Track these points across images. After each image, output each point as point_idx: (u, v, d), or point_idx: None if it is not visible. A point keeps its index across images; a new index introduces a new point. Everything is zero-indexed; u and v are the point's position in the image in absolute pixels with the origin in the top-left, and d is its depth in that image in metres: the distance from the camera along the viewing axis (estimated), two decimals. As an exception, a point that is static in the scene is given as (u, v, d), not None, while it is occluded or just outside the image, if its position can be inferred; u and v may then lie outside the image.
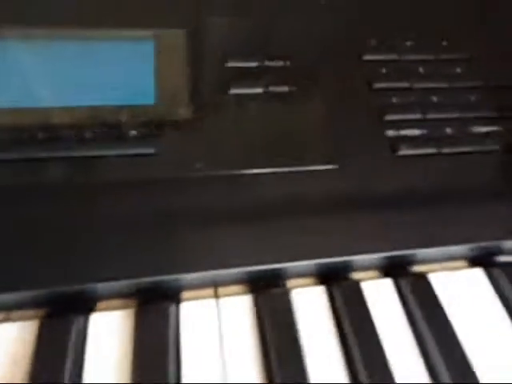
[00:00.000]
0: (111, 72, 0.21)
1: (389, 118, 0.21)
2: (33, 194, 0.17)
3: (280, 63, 0.22)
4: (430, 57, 0.24)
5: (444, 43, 0.25)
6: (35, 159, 0.18)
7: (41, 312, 0.16)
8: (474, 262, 0.20)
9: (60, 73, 0.21)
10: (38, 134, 0.18)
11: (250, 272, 0.17)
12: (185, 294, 0.17)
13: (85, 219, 0.17)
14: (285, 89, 0.21)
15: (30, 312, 0.16)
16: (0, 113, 0.19)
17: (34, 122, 0.19)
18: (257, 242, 0.17)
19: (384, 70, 0.23)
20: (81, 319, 0.16)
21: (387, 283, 0.19)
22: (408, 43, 0.25)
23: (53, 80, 0.20)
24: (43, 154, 0.18)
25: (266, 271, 0.17)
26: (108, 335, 0.16)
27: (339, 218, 0.18)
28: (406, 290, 0.18)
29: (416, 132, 0.21)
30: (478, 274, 0.19)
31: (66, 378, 0.14)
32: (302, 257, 0.17)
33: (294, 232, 0.18)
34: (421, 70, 0.24)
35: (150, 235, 0.17)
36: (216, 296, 0.18)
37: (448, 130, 0.22)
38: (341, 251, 0.18)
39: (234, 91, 0.21)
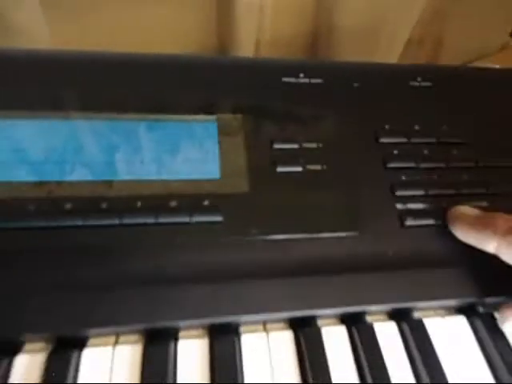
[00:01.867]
0: (183, 151, 0.27)
1: (399, 193, 0.28)
2: (125, 254, 0.23)
3: (314, 145, 0.28)
4: (433, 140, 0.30)
5: (444, 128, 0.31)
6: (128, 225, 0.24)
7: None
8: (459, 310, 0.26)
9: (141, 151, 0.27)
10: (119, 204, 0.24)
11: (291, 315, 0.23)
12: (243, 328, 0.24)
13: (168, 272, 0.23)
14: (318, 167, 0.28)
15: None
16: (92, 185, 0.25)
17: (115, 193, 0.24)
18: (296, 291, 0.23)
19: (396, 152, 0.29)
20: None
21: (392, 326, 0.25)
22: (416, 127, 0.31)
23: (135, 157, 0.26)
24: (131, 221, 0.24)
25: (303, 315, 0.23)
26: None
27: (358, 275, 0.24)
28: (407, 332, 0.24)
29: (420, 206, 0.27)
30: (462, 320, 0.25)
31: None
32: (329, 305, 0.23)
33: (323, 285, 0.24)
34: (426, 151, 0.30)
35: (220, 284, 0.23)
36: (265, 330, 0.24)
37: (444, 205, 0.28)
38: (358, 301, 0.24)
39: (280, 169, 0.27)
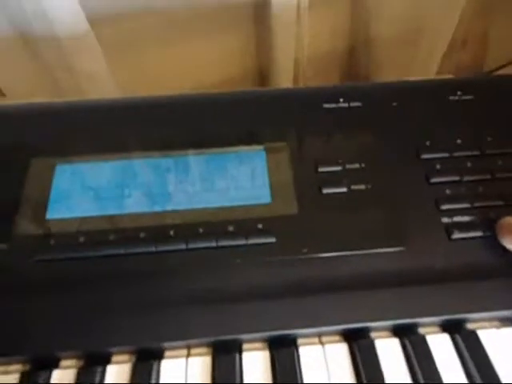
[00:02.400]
0: (236, 179, 0.30)
1: (444, 207, 0.28)
2: (192, 275, 0.26)
3: (357, 165, 0.30)
4: (476, 152, 0.31)
5: (488, 139, 0.31)
6: (193, 249, 0.27)
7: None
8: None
9: (199, 182, 0.30)
10: (185, 231, 0.27)
11: (346, 327, 0.25)
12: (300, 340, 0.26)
13: (230, 290, 0.26)
14: (362, 187, 0.29)
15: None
16: (160, 215, 0.28)
17: (181, 221, 0.28)
18: (349, 305, 0.25)
19: (438, 166, 0.30)
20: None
21: (446, 337, 0.25)
22: (458, 141, 0.31)
23: (195, 187, 0.30)
24: (195, 246, 0.27)
25: (356, 327, 0.25)
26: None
27: (408, 288, 0.25)
28: (461, 344, 0.25)
29: (466, 218, 0.28)
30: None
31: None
32: (382, 318, 0.25)
33: (375, 299, 0.25)
34: (469, 164, 0.30)
35: (277, 300, 0.25)
36: (321, 343, 0.25)
37: (492, 216, 0.28)
38: (410, 313, 0.25)
39: (325, 191, 0.29)
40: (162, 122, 0.33)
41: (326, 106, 0.33)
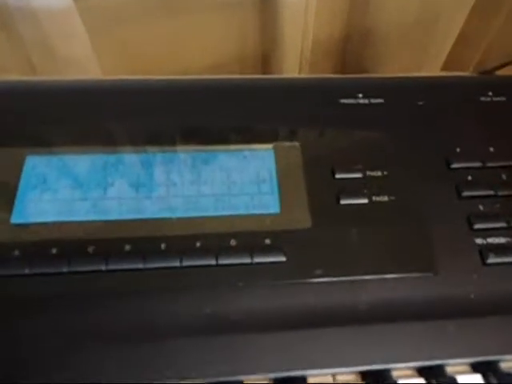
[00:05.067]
0: (240, 184, 0.26)
1: (477, 226, 0.25)
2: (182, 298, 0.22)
3: (379, 173, 0.26)
4: (510, 163, 0.27)
5: (524, 148, 0.28)
6: (185, 267, 0.23)
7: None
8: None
9: (196, 185, 0.25)
10: (179, 245, 0.23)
11: (363, 369, 0.21)
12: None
13: (229, 319, 0.22)
14: (385, 198, 0.25)
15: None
16: (149, 224, 0.24)
17: (181, 232, 0.23)
18: (368, 342, 0.21)
19: (470, 178, 0.27)
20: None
21: (478, 378, 0.22)
22: (491, 149, 0.28)
23: (191, 192, 0.25)
24: (191, 263, 0.23)
25: (377, 370, 0.21)
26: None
27: (436, 323, 0.22)
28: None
29: (502, 240, 0.25)
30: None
31: None
32: (405, 359, 0.21)
33: (398, 335, 0.22)
34: (504, 176, 0.27)
35: (284, 334, 0.21)
36: (334, 381, 0.22)
37: (531, 238, 0.25)
38: (440, 355, 0.21)
39: (343, 202, 0.25)
40: (152, 111, 0.28)
41: (343, 101, 0.29)
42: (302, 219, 0.24)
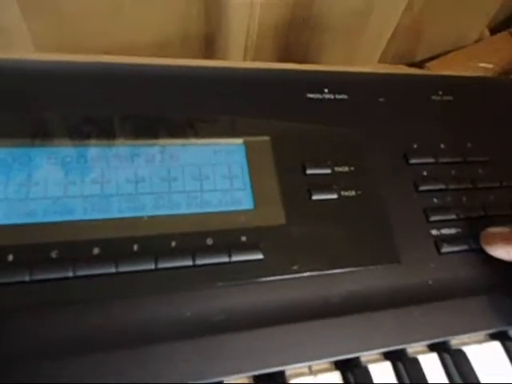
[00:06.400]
0: (212, 179, 0.25)
1: (433, 218, 0.27)
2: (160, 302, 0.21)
3: (346, 168, 0.27)
4: (459, 159, 0.30)
5: (469, 145, 0.31)
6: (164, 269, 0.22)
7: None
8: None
9: (166, 181, 0.24)
10: (153, 246, 0.22)
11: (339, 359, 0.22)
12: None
13: (209, 320, 0.21)
14: (352, 193, 0.26)
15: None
16: (119, 223, 0.22)
17: (154, 232, 0.22)
18: (341, 333, 0.23)
19: (425, 173, 0.29)
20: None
21: (434, 357, 0.24)
22: (442, 146, 0.30)
23: (161, 188, 0.24)
24: (167, 265, 0.22)
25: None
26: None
27: (401, 310, 0.24)
28: (448, 362, 0.24)
29: (453, 231, 0.27)
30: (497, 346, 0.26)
31: None
32: (374, 346, 0.23)
33: (368, 324, 0.23)
34: (453, 172, 0.29)
35: (263, 330, 0.22)
36: (311, 372, 0.23)
37: (476, 228, 0.27)
38: (405, 339, 0.23)
39: (315, 197, 0.26)
40: (113, 100, 0.26)
41: (310, 95, 0.30)
42: (277, 215, 0.25)
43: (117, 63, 0.29)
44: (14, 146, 0.23)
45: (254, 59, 0.52)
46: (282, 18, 0.52)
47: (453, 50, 0.61)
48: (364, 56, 0.57)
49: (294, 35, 0.56)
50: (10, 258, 0.20)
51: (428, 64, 0.60)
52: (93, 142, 0.24)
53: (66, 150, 0.23)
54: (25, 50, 0.38)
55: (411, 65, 0.64)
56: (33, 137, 0.23)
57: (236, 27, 0.46)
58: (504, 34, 0.57)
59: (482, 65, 0.57)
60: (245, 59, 0.52)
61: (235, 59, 0.51)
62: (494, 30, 0.60)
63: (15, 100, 0.24)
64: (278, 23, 0.53)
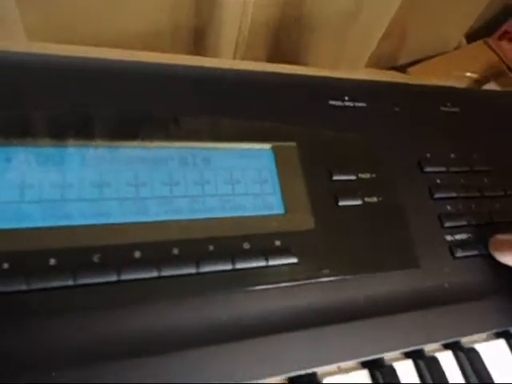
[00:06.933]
0: (243, 183, 0.25)
1: (447, 224, 0.29)
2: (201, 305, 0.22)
3: (368, 175, 0.28)
4: (467, 168, 0.32)
5: (475, 156, 0.33)
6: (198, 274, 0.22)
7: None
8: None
9: (199, 185, 0.24)
10: (193, 249, 0.22)
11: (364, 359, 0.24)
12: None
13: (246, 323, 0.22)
14: (374, 199, 0.28)
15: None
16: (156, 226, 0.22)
17: (192, 236, 0.22)
18: (367, 335, 0.24)
19: (439, 181, 0.30)
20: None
21: (449, 355, 0.26)
22: (452, 155, 0.32)
23: (195, 192, 0.24)
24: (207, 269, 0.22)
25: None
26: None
27: (422, 312, 0.25)
28: (464, 361, 0.26)
29: (464, 236, 0.29)
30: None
31: None
32: (397, 347, 0.24)
33: (391, 326, 0.24)
34: (462, 180, 0.31)
35: (297, 333, 0.22)
36: (340, 370, 0.24)
37: (485, 234, 0.29)
38: (425, 340, 0.25)
39: (341, 203, 0.26)
40: (133, 99, 0.25)
41: (332, 102, 0.30)
42: (306, 220, 0.25)
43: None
44: (45, 146, 0.22)
45: (244, 55, 0.52)
46: (273, 16, 0.53)
47: (433, 56, 0.63)
48: (352, 57, 0.58)
49: (284, 34, 0.56)
50: (52, 262, 0.19)
51: (409, 69, 0.62)
52: (128, 143, 0.23)
53: (101, 151, 0.23)
54: (17, 39, 0.36)
55: (393, 68, 0.66)
56: (70, 137, 0.22)
57: (228, 23, 0.46)
58: (479, 42, 0.59)
59: (461, 73, 0.59)
60: (235, 55, 0.52)
61: (225, 54, 0.50)
62: (469, 39, 0.62)
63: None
64: (269, 21, 0.53)
